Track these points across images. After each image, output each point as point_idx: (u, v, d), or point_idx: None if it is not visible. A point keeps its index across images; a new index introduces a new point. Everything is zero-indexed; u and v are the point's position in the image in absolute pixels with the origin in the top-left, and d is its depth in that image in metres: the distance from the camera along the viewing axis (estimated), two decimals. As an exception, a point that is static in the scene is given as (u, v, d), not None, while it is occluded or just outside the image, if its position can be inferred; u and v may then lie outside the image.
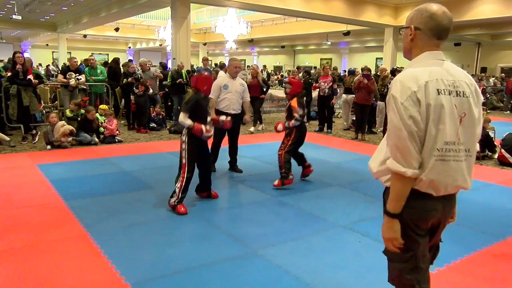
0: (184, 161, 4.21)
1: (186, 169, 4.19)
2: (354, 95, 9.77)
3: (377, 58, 25.09)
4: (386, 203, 1.76)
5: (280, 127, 5.15)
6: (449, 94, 1.63)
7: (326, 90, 9.77)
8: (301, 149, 5.43)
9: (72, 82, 8.75)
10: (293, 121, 5.02)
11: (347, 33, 20.07)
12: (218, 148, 5.84)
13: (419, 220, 1.72)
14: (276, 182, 5.06)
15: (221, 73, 10.43)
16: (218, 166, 5.99)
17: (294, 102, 5.07)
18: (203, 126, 4.19)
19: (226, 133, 5.73)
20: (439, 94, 1.61)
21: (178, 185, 4.19)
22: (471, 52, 22.98)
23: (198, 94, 4.32)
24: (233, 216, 4.25)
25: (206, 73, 4.63)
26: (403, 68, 10.73)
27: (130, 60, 12.05)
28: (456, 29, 19.35)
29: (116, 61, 10.87)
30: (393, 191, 1.68)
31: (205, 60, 11.80)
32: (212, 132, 4.37)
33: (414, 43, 1.73)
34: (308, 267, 3.09)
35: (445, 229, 1.89)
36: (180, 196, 4.19)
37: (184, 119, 4.19)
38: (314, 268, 3.08)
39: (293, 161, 5.27)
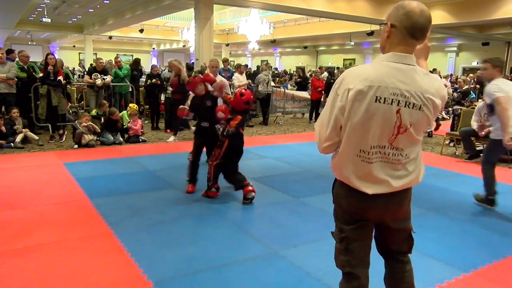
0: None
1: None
2: None
3: (401, 58, 24.65)
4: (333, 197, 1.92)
5: (220, 114, 4.51)
6: (392, 103, 1.62)
7: None
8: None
9: (98, 82, 8.94)
10: (230, 129, 4.46)
11: (370, 33, 19.80)
12: None
13: (356, 209, 1.81)
14: (203, 192, 4.71)
15: (236, 74, 10.48)
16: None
17: (235, 120, 4.47)
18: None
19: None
20: (376, 101, 1.62)
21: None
22: (500, 51, 22.28)
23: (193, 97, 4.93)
24: (254, 216, 4.25)
25: (196, 75, 5.33)
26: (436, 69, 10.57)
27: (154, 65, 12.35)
28: (485, 28, 18.85)
29: (137, 62, 11.04)
30: None
31: (225, 61, 11.85)
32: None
33: (389, 41, 1.69)
34: (330, 269, 3.05)
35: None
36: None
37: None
38: (336, 270, 3.03)
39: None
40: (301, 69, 13.94)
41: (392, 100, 1.62)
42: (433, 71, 10.26)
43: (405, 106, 1.63)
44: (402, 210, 1.87)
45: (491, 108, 4.34)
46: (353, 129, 1.66)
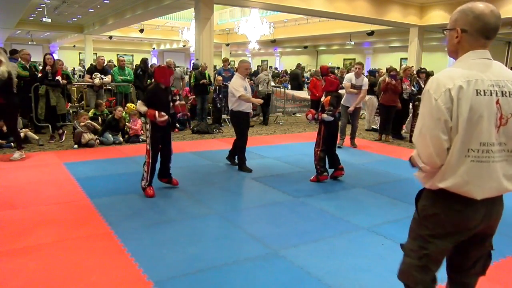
0: (148, 147, 4.67)
1: (150, 154, 4.63)
2: (374, 96, 9.72)
3: (401, 59, 24.67)
4: (417, 206, 1.85)
5: (309, 116, 5.59)
6: (491, 95, 1.61)
7: (409, 93, 9.15)
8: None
9: (96, 81, 8.93)
10: (324, 114, 5.29)
11: (371, 33, 19.81)
12: (245, 146, 6.05)
13: (459, 223, 1.72)
14: (312, 178, 5.42)
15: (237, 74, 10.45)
16: (235, 168, 6.02)
17: (326, 100, 5.36)
18: (156, 112, 4.46)
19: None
20: (477, 94, 1.60)
21: (145, 168, 4.65)
22: (500, 51, 22.29)
23: (156, 86, 4.68)
24: (254, 216, 4.25)
25: (163, 65, 5.22)
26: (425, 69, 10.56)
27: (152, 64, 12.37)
28: (485, 28, 18.83)
29: (144, 62, 10.98)
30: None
31: (225, 61, 11.84)
32: (166, 117, 4.53)
33: (460, 45, 1.71)
34: (330, 269, 3.06)
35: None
36: (148, 179, 4.65)
37: (139, 106, 4.63)
38: (336, 270, 3.05)
39: None
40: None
41: (491, 91, 1.62)
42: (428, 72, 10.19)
43: (502, 96, 1.63)
44: (498, 220, 1.83)
45: None
46: (461, 128, 1.61)
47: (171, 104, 4.89)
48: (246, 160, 6.02)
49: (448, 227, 1.73)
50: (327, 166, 5.47)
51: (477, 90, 1.60)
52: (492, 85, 1.62)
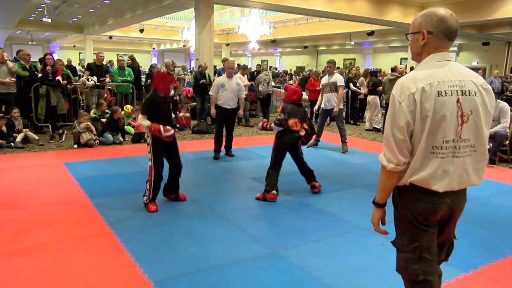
0: (150, 163, 4.23)
1: (152, 171, 4.21)
2: (375, 96, 9.75)
3: (401, 59, 24.66)
4: (394, 203, 1.95)
5: (259, 124, 5.16)
6: (452, 95, 1.72)
7: None
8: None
9: (91, 83, 8.91)
10: (272, 124, 4.85)
11: (371, 33, 19.79)
12: (219, 137, 6.64)
13: (426, 213, 1.82)
14: (258, 195, 4.74)
15: (238, 74, 10.46)
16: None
17: (280, 107, 4.85)
18: (161, 126, 4.05)
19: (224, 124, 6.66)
20: (439, 96, 1.70)
21: (147, 186, 4.25)
22: (500, 51, 22.30)
23: (155, 94, 4.22)
24: (254, 216, 4.24)
25: (163, 71, 5.00)
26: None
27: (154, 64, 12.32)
28: (485, 28, 18.84)
29: (132, 59, 10.95)
30: (379, 183, 1.89)
31: (225, 61, 11.82)
32: (172, 131, 4.14)
33: (426, 47, 1.81)
34: (330, 269, 3.06)
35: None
36: (150, 197, 4.24)
37: (141, 120, 4.18)
38: (336, 270, 3.05)
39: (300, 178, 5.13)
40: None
41: (451, 91, 1.72)
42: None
43: (462, 95, 1.73)
44: (461, 211, 1.92)
45: None
46: (426, 128, 1.71)
47: (174, 115, 4.45)
48: (219, 150, 6.65)
49: (420, 220, 1.83)
50: (276, 185, 4.75)
51: (438, 92, 1.70)
52: (453, 85, 1.73)
